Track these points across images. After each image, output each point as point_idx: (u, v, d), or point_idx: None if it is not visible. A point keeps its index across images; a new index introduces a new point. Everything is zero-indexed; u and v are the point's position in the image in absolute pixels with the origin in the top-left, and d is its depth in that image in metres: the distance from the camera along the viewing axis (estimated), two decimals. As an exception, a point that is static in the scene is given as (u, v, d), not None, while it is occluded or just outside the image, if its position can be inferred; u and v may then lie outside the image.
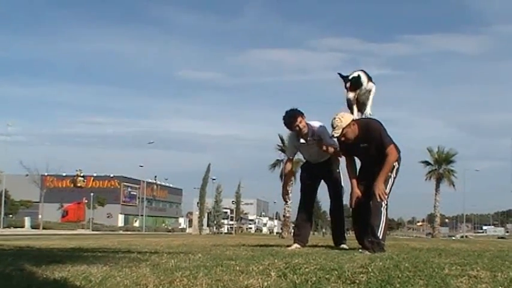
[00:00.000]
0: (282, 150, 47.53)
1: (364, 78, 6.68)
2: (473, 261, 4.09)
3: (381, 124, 6.52)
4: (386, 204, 6.33)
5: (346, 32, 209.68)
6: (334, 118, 6.39)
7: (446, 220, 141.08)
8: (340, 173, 7.57)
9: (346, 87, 6.69)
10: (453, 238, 60.08)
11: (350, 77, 6.65)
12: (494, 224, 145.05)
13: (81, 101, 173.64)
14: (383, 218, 6.31)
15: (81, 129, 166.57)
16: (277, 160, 47.94)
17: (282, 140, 47.65)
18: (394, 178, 6.48)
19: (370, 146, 6.42)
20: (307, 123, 7.16)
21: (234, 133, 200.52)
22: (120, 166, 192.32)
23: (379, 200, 6.24)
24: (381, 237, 6.28)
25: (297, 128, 7.10)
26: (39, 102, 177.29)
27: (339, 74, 6.78)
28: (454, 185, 57.42)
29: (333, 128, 6.42)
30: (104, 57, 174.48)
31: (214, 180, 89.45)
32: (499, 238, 55.70)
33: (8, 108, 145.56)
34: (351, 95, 6.68)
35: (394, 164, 6.43)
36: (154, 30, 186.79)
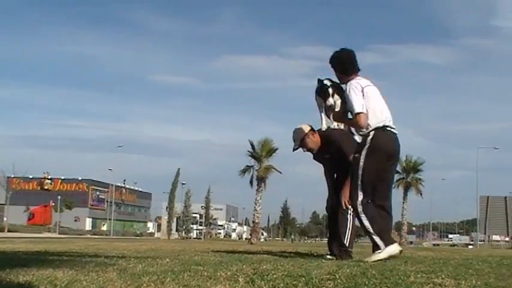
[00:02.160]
0: (253, 156, 47.54)
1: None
2: (439, 269, 4.14)
3: (346, 133, 6.37)
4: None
5: (320, 40, 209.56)
6: (293, 132, 6.53)
7: (414, 228, 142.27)
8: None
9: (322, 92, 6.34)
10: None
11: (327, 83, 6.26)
12: (459, 233, 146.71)
13: (53, 103, 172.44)
14: (349, 226, 6.32)
15: (51, 131, 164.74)
16: (248, 166, 47.88)
17: (252, 146, 47.70)
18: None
19: (333, 157, 6.44)
20: None
21: (205, 138, 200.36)
22: (89, 169, 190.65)
23: (344, 207, 6.26)
24: (347, 244, 6.31)
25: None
26: (9, 104, 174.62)
27: (318, 79, 6.37)
28: (421, 194, 58.00)
29: (293, 141, 6.52)
30: (77, 60, 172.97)
31: (183, 185, 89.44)
32: None
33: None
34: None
35: None
36: (128, 34, 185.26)
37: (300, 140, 6.43)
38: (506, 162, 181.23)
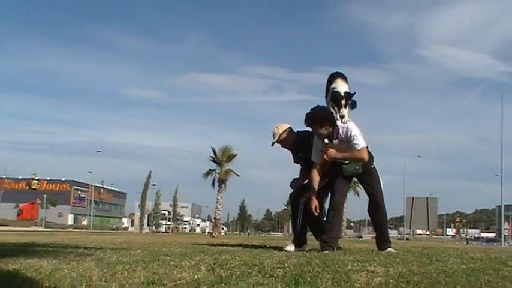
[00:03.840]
0: (215, 161, 47.41)
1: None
2: (371, 259, 4.17)
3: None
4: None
5: (273, 61, 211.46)
6: (273, 127, 6.20)
7: (352, 224, 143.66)
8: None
9: (339, 100, 5.69)
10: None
11: (342, 93, 5.71)
12: (390, 228, 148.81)
13: (35, 112, 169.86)
14: (300, 212, 6.16)
15: (36, 137, 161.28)
16: (210, 169, 47.75)
17: (214, 152, 47.58)
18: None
19: (305, 156, 6.01)
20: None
21: (172, 145, 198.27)
22: (71, 171, 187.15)
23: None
24: (299, 228, 6.23)
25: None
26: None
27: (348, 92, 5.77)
28: (358, 194, 58.60)
29: (273, 136, 6.17)
30: (57, 74, 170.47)
31: (154, 186, 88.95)
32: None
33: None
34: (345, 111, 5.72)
35: (325, 179, 6.00)
36: (102, 53, 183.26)
37: (279, 135, 6.12)
38: (428, 168, 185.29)
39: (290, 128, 6.22)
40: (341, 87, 5.72)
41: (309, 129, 5.80)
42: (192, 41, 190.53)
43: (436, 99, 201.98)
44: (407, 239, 59.97)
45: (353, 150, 5.64)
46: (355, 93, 5.77)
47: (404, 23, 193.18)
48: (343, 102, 5.64)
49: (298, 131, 6.23)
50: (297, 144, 6.18)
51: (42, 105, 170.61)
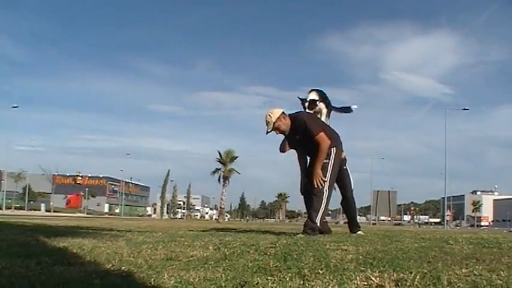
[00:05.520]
0: (220, 162, 47.45)
1: (317, 98, 5.46)
2: (345, 240, 4.16)
3: (312, 115, 5.27)
4: (329, 189, 4.99)
5: (267, 82, 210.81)
6: (266, 116, 5.00)
7: (330, 212, 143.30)
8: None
9: (304, 107, 5.42)
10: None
11: (308, 99, 5.44)
12: (359, 215, 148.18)
13: (79, 123, 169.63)
14: (323, 205, 4.95)
15: (81, 143, 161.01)
16: (216, 168, 47.80)
17: (220, 154, 47.64)
18: (333, 164, 5.03)
19: (302, 137, 4.99)
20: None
21: (187, 149, 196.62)
22: (107, 170, 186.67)
23: (315, 186, 4.89)
24: (317, 222, 4.91)
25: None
26: (51, 124, 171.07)
27: (298, 97, 5.54)
28: (335, 189, 58.68)
29: (266, 124, 4.99)
30: (99, 94, 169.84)
31: (172, 181, 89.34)
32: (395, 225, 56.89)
33: (30, 127, 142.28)
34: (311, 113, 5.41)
35: (331, 150, 5.01)
36: (132, 76, 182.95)
37: (272, 123, 4.93)
38: (389, 168, 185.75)
39: (283, 113, 5.01)
40: (310, 96, 5.55)
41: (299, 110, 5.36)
42: (202, 66, 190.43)
43: (395, 113, 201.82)
44: (373, 223, 60.03)
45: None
46: (316, 100, 5.52)
47: (370, 53, 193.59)
48: (306, 104, 5.46)
49: (289, 114, 5.08)
50: (293, 127, 5.02)
51: (88, 118, 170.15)
